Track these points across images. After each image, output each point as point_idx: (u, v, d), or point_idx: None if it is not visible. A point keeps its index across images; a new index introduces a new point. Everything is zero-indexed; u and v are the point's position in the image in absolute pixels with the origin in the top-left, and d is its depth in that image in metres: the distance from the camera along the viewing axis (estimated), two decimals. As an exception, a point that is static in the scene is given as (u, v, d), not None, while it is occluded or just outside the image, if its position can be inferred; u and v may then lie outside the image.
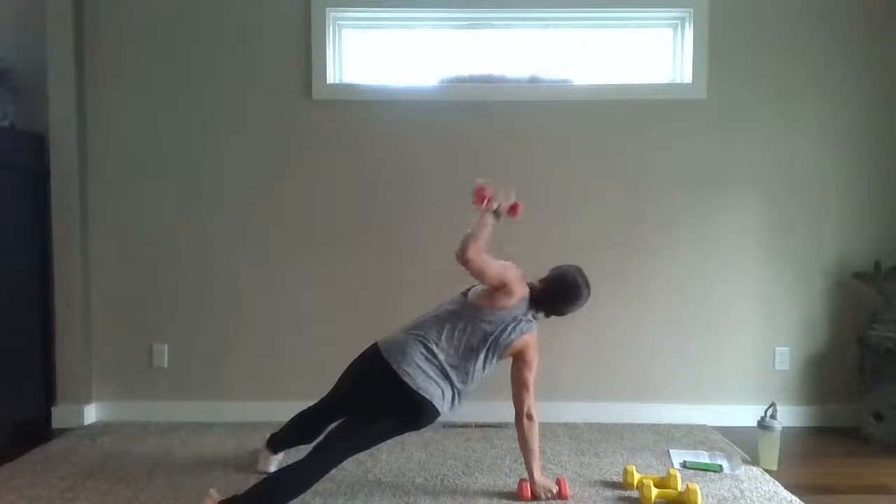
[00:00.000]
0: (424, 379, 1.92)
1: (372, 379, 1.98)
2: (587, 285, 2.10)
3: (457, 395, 2.00)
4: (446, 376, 1.97)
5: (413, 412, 1.93)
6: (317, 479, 1.88)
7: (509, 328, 2.01)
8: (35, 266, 2.79)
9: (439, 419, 1.99)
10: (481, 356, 2.00)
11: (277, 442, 2.28)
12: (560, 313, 2.12)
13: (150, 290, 2.91)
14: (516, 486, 2.10)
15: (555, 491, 2.05)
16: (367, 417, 1.94)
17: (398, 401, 1.92)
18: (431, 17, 2.97)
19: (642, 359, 2.93)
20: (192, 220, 2.91)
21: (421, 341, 1.98)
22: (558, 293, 2.09)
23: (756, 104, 2.90)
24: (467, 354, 1.99)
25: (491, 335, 2.00)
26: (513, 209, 2.06)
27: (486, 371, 2.04)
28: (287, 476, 1.87)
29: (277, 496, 1.81)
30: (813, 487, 2.20)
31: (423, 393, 1.90)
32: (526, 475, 2.10)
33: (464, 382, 2.00)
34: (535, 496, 2.04)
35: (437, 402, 1.93)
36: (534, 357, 2.08)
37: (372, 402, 1.95)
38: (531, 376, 2.08)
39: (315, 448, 1.91)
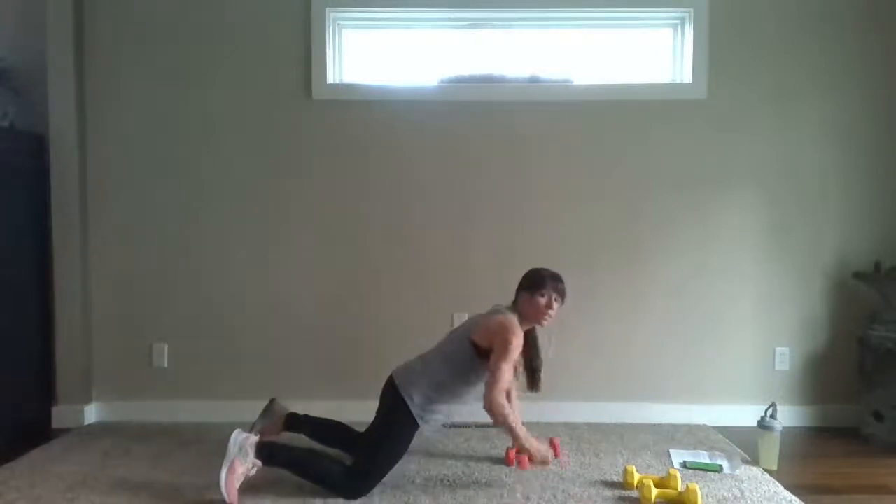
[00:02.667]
0: (408, 374, 2.17)
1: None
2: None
3: (435, 393, 2.13)
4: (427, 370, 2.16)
5: (387, 395, 2.16)
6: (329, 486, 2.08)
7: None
8: (35, 266, 2.79)
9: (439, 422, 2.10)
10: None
11: (297, 423, 2.38)
12: (526, 284, 2.22)
13: (150, 290, 2.92)
14: (504, 454, 2.17)
15: (550, 457, 2.09)
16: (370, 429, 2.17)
17: (383, 395, 2.19)
18: (431, 17, 2.97)
19: (642, 359, 2.93)
20: (192, 220, 2.91)
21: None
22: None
23: (756, 104, 2.90)
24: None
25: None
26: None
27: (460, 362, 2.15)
28: (329, 469, 2.09)
29: (309, 472, 2.08)
30: (813, 487, 2.20)
31: (397, 379, 2.15)
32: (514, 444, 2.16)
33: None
34: (541, 461, 2.08)
35: (408, 390, 2.12)
36: (500, 342, 2.08)
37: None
38: (499, 361, 2.07)
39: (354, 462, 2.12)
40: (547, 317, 2.18)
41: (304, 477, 2.09)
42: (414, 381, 2.14)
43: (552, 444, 2.12)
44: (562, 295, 2.20)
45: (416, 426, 2.13)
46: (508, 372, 2.08)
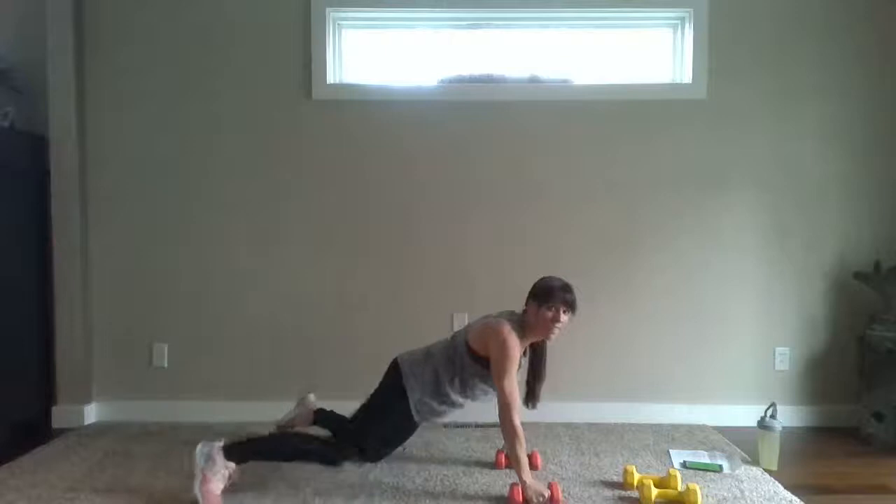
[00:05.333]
0: (412, 365, 2.20)
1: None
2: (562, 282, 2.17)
3: (439, 389, 2.16)
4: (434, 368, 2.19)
5: (390, 376, 2.22)
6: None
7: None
8: (35, 266, 2.79)
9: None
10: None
11: (324, 418, 2.45)
12: (535, 293, 2.15)
13: (150, 290, 2.91)
14: (507, 491, 2.07)
15: (546, 495, 1.99)
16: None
17: (386, 375, 2.26)
18: (431, 17, 2.97)
19: (642, 359, 2.93)
20: (191, 221, 2.91)
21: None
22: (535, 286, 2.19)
23: (756, 104, 2.90)
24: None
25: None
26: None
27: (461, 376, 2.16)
28: (306, 442, 2.14)
29: (288, 451, 2.12)
30: (813, 487, 2.21)
31: (402, 365, 2.20)
32: (502, 447, 2.23)
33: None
34: (526, 501, 1.99)
35: (408, 372, 2.17)
36: (495, 351, 2.07)
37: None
38: (501, 377, 2.04)
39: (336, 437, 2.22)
40: (554, 331, 2.10)
41: (285, 458, 2.12)
42: (417, 374, 2.17)
43: (551, 487, 2.03)
44: (571, 307, 2.10)
45: (410, 417, 2.16)
46: (514, 385, 2.04)
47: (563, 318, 2.09)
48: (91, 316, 2.90)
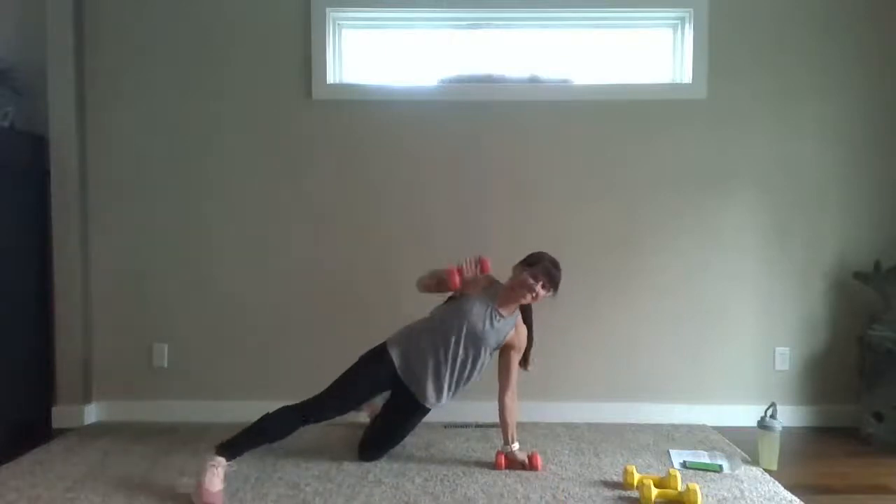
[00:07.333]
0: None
1: None
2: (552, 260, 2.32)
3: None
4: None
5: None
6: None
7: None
8: (35, 266, 2.79)
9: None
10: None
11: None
12: (525, 259, 2.35)
13: (150, 290, 2.91)
14: (495, 459, 2.33)
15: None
16: None
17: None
18: (431, 17, 2.97)
19: (642, 359, 2.93)
20: (191, 221, 2.91)
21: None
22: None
23: (756, 104, 2.90)
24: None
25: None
26: (481, 267, 2.26)
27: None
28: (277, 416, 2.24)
29: (269, 429, 2.19)
30: (813, 487, 2.20)
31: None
32: (502, 448, 2.34)
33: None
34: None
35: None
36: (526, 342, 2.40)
37: None
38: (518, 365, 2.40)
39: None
40: (524, 291, 2.25)
41: (273, 438, 2.19)
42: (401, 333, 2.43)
43: (533, 457, 2.28)
44: (549, 278, 2.25)
45: (382, 350, 2.36)
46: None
47: (538, 286, 2.24)
48: (91, 316, 2.90)
